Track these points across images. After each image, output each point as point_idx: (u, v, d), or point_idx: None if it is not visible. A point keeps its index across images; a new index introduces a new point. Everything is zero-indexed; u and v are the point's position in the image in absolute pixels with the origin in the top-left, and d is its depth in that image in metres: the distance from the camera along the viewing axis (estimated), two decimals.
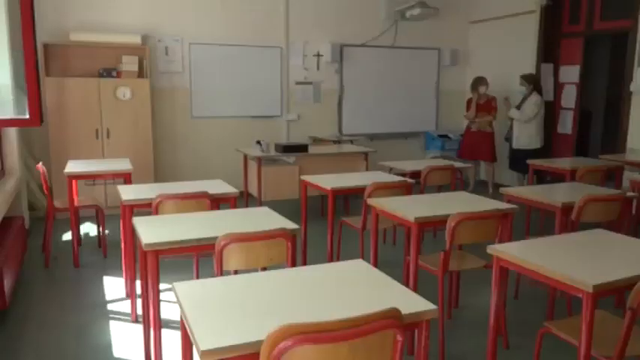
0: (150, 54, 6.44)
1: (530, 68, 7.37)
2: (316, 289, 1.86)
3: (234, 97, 7.13)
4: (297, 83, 7.50)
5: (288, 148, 5.99)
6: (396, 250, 5.09)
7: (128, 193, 3.46)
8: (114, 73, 6.15)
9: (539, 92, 6.94)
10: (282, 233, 2.40)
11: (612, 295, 2.08)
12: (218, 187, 3.61)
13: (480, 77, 7.34)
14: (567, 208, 3.35)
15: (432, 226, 3.19)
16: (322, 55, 7.55)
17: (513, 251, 2.37)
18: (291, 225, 2.58)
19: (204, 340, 1.42)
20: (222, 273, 2.29)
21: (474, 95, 7.35)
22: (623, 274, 2.07)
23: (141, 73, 6.27)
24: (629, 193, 3.71)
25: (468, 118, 7.48)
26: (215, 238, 2.29)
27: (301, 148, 6.05)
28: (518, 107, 6.99)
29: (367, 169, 6.17)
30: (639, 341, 2.24)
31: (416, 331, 1.70)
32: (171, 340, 3.15)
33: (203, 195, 3.20)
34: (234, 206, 3.44)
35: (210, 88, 6.99)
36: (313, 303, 1.75)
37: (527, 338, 3.25)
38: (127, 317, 3.59)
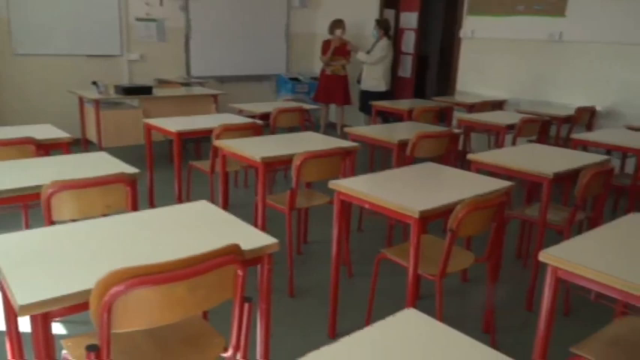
0: None
1: (375, 14, 7.62)
2: (155, 233, 1.80)
3: (65, 33, 6.39)
4: (138, 19, 6.95)
5: (129, 90, 5.59)
6: (248, 192, 5.12)
7: None
8: None
9: (389, 38, 7.24)
10: (120, 178, 2.26)
11: (440, 219, 2.29)
12: (47, 131, 3.27)
13: (338, 20, 7.39)
14: (403, 145, 3.61)
15: (279, 165, 3.23)
16: None
17: (351, 185, 2.50)
18: (131, 170, 2.44)
19: (23, 294, 1.30)
20: (52, 223, 2.11)
21: (333, 39, 7.41)
22: (446, 200, 2.29)
23: None
24: (456, 130, 4.10)
25: (323, 62, 7.56)
26: (41, 186, 2.08)
27: (144, 90, 5.69)
28: (369, 51, 7.24)
29: (217, 113, 6.02)
30: (458, 259, 2.54)
31: (259, 266, 1.73)
32: None
33: (27, 140, 2.88)
34: (68, 153, 3.15)
35: (35, 19, 6.16)
36: (152, 246, 1.69)
37: (369, 266, 3.52)
38: None
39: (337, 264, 2.77)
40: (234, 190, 5.03)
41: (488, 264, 2.69)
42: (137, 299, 1.33)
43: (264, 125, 4.16)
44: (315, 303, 3.02)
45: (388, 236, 3.72)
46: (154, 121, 4.08)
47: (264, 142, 3.42)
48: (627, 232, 1.96)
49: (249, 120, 4.22)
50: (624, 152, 4.24)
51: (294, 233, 3.89)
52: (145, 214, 1.99)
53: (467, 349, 1.19)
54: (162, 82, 6.85)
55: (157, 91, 5.85)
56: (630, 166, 4.40)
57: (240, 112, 5.11)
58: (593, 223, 3.08)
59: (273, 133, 4.63)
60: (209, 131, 3.76)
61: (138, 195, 2.36)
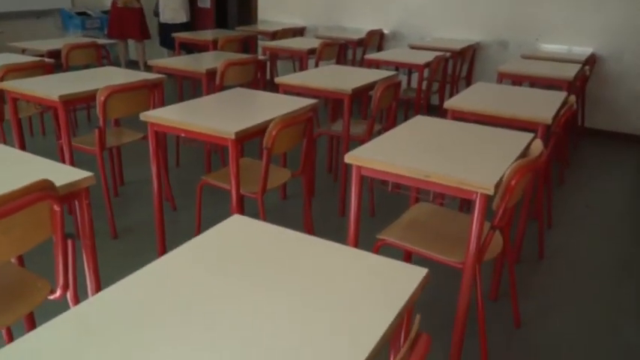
0: None
1: None
2: None
3: None
4: None
5: None
6: (47, 139, 4.66)
7: None
8: None
9: None
10: None
11: (256, 139, 2.40)
12: None
13: None
14: (211, 74, 3.60)
15: (80, 103, 3.00)
16: None
17: (164, 114, 2.47)
18: None
19: None
20: None
21: None
22: (259, 120, 2.40)
23: None
24: (262, 57, 4.19)
25: None
26: None
27: None
28: None
29: None
30: (276, 176, 2.71)
31: (76, 201, 1.66)
32: None
33: None
34: None
35: None
36: None
37: (192, 199, 3.54)
38: None
39: (160, 199, 2.75)
40: (30, 139, 4.54)
41: (303, 178, 2.92)
42: None
43: (54, 64, 3.77)
44: (142, 241, 2.97)
45: (206, 166, 3.76)
46: None
47: (59, 81, 3.12)
48: (414, 131, 2.29)
49: (37, 58, 3.78)
50: (410, 68, 4.77)
51: (109, 176, 3.71)
52: None
53: (293, 241, 1.34)
54: None
55: None
56: (415, 81, 4.98)
57: (23, 52, 4.53)
58: (387, 131, 3.49)
59: (66, 70, 4.23)
60: None
61: None
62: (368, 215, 3.37)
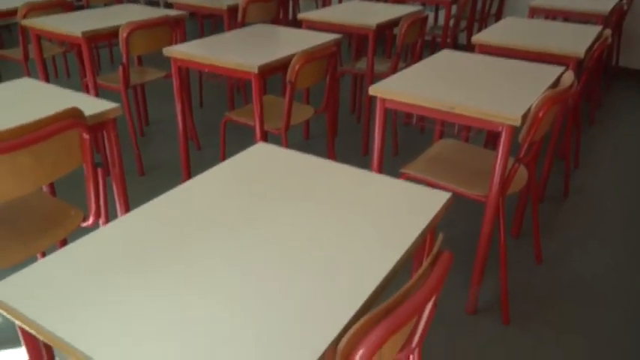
0: None
1: None
2: None
3: None
4: None
5: None
6: (71, 80, 4.70)
7: None
8: None
9: None
10: None
11: (279, 74, 2.38)
12: None
13: None
14: (233, 10, 3.54)
15: (103, 40, 3.00)
16: None
17: (187, 49, 2.45)
18: None
19: None
20: None
21: None
22: (282, 54, 2.37)
23: None
24: None
25: None
26: None
27: None
28: None
29: None
30: (300, 112, 2.71)
31: (105, 132, 1.69)
32: None
33: None
34: None
35: None
36: None
37: (216, 138, 3.57)
38: None
39: (185, 136, 2.77)
40: (55, 80, 4.58)
41: (327, 115, 2.90)
42: None
43: (75, 3, 3.75)
44: (168, 178, 3.04)
45: (229, 104, 3.76)
46: None
47: (81, 18, 3.11)
48: (440, 65, 2.24)
49: None
50: (436, 5, 4.62)
51: (134, 114, 3.75)
52: None
53: (318, 167, 1.35)
54: None
55: None
56: (442, 19, 4.83)
57: None
58: None
59: (86, 7, 4.20)
60: (13, 12, 3.30)
61: None
62: (391, 155, 3.36)
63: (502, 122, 1.70)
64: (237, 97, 4.17)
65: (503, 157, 1.76)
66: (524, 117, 1.69)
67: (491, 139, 2.73)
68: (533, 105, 1.69)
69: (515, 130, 1.72)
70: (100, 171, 1.59)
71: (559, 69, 2.19)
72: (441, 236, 0.99)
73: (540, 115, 1.68)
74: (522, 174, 2.07)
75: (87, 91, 3.05)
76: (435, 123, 2.31)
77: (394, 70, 3.21)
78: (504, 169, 1.78)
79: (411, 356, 1.16)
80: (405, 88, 1.91)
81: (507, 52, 2.62)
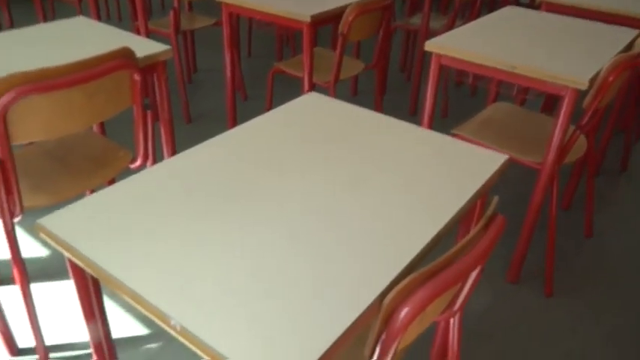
0: None
1: None
2: (33, 49, 1.65)
3: None
4: None
5: None
6: (122, 24, 4.72)
7: None
8: None
9: None
10: None
11: (329, 25, 2.31)
12: None
13: None
14: None
15: None
16: None
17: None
18: None
19: None
20: None
21: None
22: (335, 5, 2.29)
23: None
24: None
25: None
26: None
27: None
28: None
29: None
30: (349, 66, 2.64)
31: (155, 74, 1.69)
32: None
33: None
34: None
35: None
36: (34, 60, 1.56)
37: (262, 89, 3.55)
38: None
39: (232, 85, 2.76)
40: (106, 22, 4.62)
41: (376, 71, 2.82)
42: (33, 107, 1.27)
43: None
44: (213, 127, 3.05)
45: (278, 55, 3.71)
46: None
47: None
48: (502, 22, 2.12)
49: None
50: None
51: (182, 60, 3.75)
52: (27, 32, 1.80)
53: (369, 119, 1.31)
54: None
55: None
56: None
57: None
58: None
59: None
60: None
61: None
62: (439, 117, 3.27)
63: (567, 85, 1.60)
64: (285, 50, 4.10)
65: (564, 123, 1.66)
66: (592, 81, 1.58)
67: (548, 104, 2.60)
68: (604, 69, 1.58)
69: (579, 95, 1.62)
70: (149, 114, 1.59)
71: (632, 32, 2.03)
72: (496, 199, 0.94)
73: (610, 79, 1.58)
74: (581, 143, 1.97)
75: (138, 34, 3.05)
76: (490, 84, 2.20)
77: (451, 26, 3.08)
78: (563, 137, 1.69)
79: (451, 319, 1.14)
80: (463, 44, 1.82)
81: (576, 12, 2.45)
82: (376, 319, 0.75)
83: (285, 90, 3.39)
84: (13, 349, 1.62)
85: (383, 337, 0.77)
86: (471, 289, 0.97)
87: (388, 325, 0.75)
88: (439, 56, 1.84)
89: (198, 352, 0.70)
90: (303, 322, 0.72)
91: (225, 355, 0.67)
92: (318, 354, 0.68)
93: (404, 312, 0.74)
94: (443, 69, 1.88)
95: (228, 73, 2.71)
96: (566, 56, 1.75)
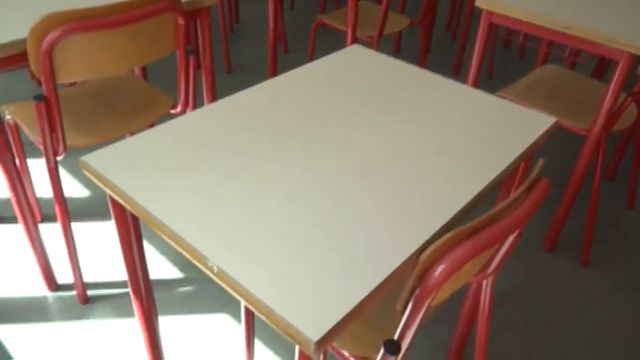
0: None
1: None
2: None
3: None
4: None
5: None
6: None
7: None
8: None
9: None
10: None
11: None
12: None
13: None
14: None
15: None
16: None
17: None
18: None
19: None
20: None
21: None
22: None
23: None
24: None
25: None
26: None
27: None
28: None
29: None
30: (394, 22, 2.57)
31: (198, 20, 1.67)
32: None
33: None
34: None
35: None
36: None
37: (304, 43, 3.49)
38: None
39: (274, 39, 2.72)
40: None
41: (422, 28, 2.74)
42: (78, 46, 1.28)
43: None
44: (253, 77, 3.03)
45: (321, 8, 3.64)
46: None
47: None
48: None
49: None
50: None
51: (225, 11, 3.72)
52: None
53: (414, 75, 1.27)
54: None
55: None
56: None
57: None
58: None
59: None
60: None
61: None
62: (485, 78, 3.17)
63: (622, 49, 1.52)
64: (329, 2, 4.01)
65: (616, 89, 1.59)
66: None
67: (599, 69, 2.48)
68: None
69: (634, 61, 1.54)
70: (191, 60, 1.59)
71: None
72: (541, 162, 0.91)
73: None
74: (632, 111, 1.88)
75: None
76: (541, 44, 2.11)
77: None
78: (614, 103, 1.62)
79: (485, 281, 1.13)
80: (516, 1, 1.73)
81: None
82: (411, 275, 0.75)
83: (328, 44, 3.34)
84: (52, 285, 1.69)
85: (417, 292, 0.77)
86: (507, 252, 0.96)
87: (423, 281, 0.75)
88: (490, 13, 1.76)
89: (234, 294, 0.71)
90: (342, 272, 0.73)
91: (261, 299, 0.68)
92: (354, 302, 0.69)
93: (440, 269, 0.73)
94: (492, 27, 1.80)
95: (271, 24, 2.67)
96: (624, 18, 1.66)
